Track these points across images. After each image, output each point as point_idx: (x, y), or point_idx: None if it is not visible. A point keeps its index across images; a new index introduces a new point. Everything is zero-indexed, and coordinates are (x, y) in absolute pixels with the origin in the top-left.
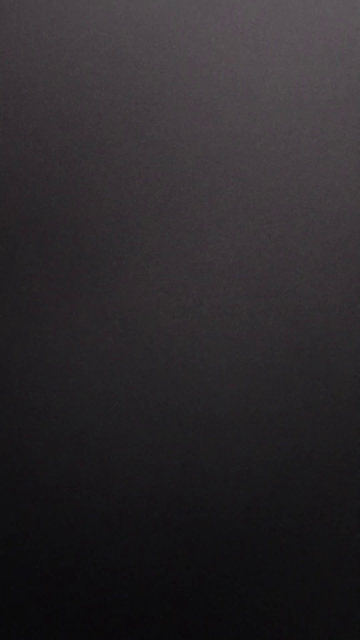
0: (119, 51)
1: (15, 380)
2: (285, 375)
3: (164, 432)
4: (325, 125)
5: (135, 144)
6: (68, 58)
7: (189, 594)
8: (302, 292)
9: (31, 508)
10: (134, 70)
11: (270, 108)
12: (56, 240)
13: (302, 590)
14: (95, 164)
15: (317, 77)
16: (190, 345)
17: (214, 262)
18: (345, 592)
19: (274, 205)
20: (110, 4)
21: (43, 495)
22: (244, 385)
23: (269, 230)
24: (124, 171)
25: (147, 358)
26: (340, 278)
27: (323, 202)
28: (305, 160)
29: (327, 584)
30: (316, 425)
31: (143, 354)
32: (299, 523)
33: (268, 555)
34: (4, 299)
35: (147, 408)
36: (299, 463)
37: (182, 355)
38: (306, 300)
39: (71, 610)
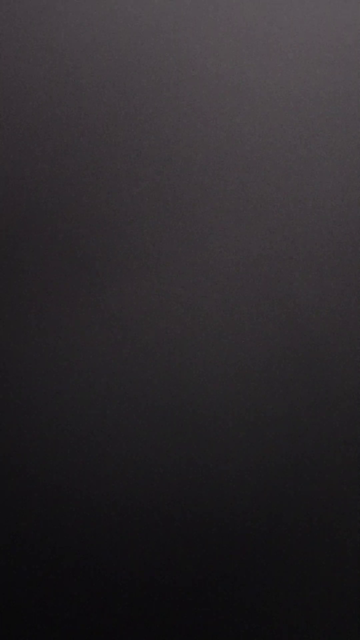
0: (119, 52)
1: (15, 380)
2: (285, 377)
3: (164, 433)
4: (325, 129)
5: (135, 145)
6: (68, 58)
7: (189, 594)
8: (301, 296)
9: (31, 508)
10: (135, 71)
11: (270, 111)
12: (56, 241)
13: (302, 591)
14: (96, 164)
15: (317, 76)
16: (190, 345)
17: (214, 263)
18: (345, 592)
19: (274, 210)
20: (110, 4)
21: (43, 495)
22: (243, 387)
23: (268, 234)
24: (124, 171)
25: (147, 359)
26: (340, 281)
27: (323, 206)
28: (305, 164)
29: (327, 584)
30: (316, 426)
31: (143, 355)
32: (299, 524)
33: (268, 555)
34: (4, 299)
35: (147, 409)
36: (299, 464)
37: (182, 356)
38: (305, 304)
39: (71, 610)
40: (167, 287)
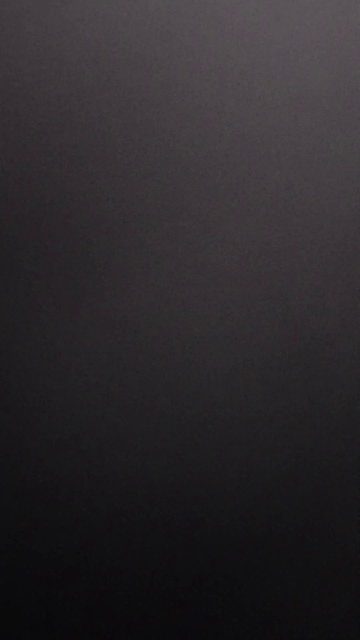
0: (119, 52)
1: (15, 380)
2: (285, 377)
3: (164, 433)
4: (325, 129)
5: (135, 145)
6: (68, 58)
7: (189, 594)
8: (301, 296)
9: (31, 508)
10: (134, 71)
11: (270, 110)
12: (56, 241)
13: (302, 591)
14: (96, 165)
15: (318, 77)
16: (190, 345)
17: (214, 263)
18: (345, 592)
19: (274, 210)
20: (110, 4)
21: (43, 495)
22: (243, 386)
23: (268, 234)
24: (124, 171)
25: (146, 358)
26: (340, 281)
27: (323, 206)
28: (305, 164)
29: (327, 584)
30: (316, 427)
31: (143, 355)
32: (299, 524)
33: (268, 556)
34: (4, 299)
35: (147, 409)
36: (299, 465)
37: (182, 355)
38: (305, 304)
39: (71, 610)
40: (167, 287)
